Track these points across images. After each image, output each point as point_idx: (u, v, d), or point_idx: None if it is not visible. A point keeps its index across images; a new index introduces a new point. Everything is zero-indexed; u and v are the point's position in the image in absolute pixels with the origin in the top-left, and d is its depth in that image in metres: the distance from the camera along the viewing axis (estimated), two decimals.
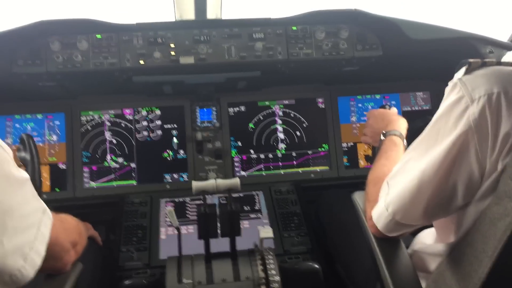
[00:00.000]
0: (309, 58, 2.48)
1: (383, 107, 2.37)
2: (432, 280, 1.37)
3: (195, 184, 1.77)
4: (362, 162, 2.88)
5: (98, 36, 2.37)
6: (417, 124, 2.33)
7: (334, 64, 2.56)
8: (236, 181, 1.78)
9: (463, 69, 1.22)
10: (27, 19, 2.18)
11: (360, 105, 2.94)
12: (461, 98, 1.15)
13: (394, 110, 2.24)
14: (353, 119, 2.92)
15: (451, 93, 1.19)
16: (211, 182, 1.77)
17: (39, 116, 2.73)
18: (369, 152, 2.85)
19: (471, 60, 1.21)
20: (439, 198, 1.23)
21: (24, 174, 1.22)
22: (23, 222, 1.18)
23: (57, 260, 1.38)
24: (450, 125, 1.17)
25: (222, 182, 1.77)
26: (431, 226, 1.54)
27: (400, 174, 1.37)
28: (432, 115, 1.31)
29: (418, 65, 2.71)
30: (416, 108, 2.97)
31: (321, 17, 2.44)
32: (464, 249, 1.21)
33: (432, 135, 1.24)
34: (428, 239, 1.54)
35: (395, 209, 1.34)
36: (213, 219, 1.75)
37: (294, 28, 2.47)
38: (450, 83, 1.22)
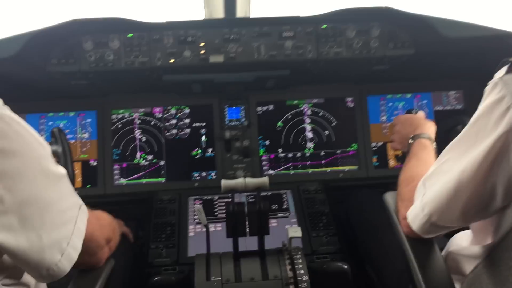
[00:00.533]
0: (339, 57, 2.45)
1: (409, 111, 2.34)
2: (467, 284, 1.34)
3: (224, 183, 1.77)
4: (392, 162, 2.84)
5: (129, 35, 2.40)
6: (448, 124, 2.29)
7: (365, 63, 2.53)
8: (265, 180, 1.77)
9: (504, 69, 1.18)
10: (59, 18, 2.22)
11: (390, 104, 2.89)
12: (502, 98, 1.11)
13: (421, 114, 2.21)
14: (383, 118, 2.88)
15: (492, 93, 1.15)
16: (241, 181, 1.77)
17: (71, 114, 2.79)
18: (399, 152, 2.81)
19: None
20: (477, 199, 1.20)
21: (61, 170, 1.24)
22: (61, 217, 1.20)
23: (92, 255, 1.40)
24: (491, 125, 1.13)
25: (251, 181, 1.77)
26: (467, 228, 1.50)
27: (437, 174, 1.34)
28: (465, 114, 1.27)
29: (451, 64, 2.65)
30: (448, 108, 2.90)
31: (352, 15, 2.41)
32: (502, 252, 1.17)
33: (471, 136, 1.21)
34: (463, 241, 1.51)
35: (432, 210, 1.32)
36: (241, 218, 1.74)
37: (324, 26, 2.45)
38: (491, 83, 1.18)
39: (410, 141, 1.92)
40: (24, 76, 2.42)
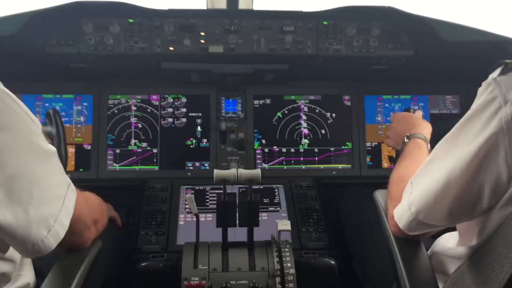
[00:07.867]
0: (339, 54, 2.46)
1: (408, 110, 2.34)
2: (450, 282, 1.35)
3: (217, 172, 1.77)
4: (385, 163, 2.85)
5: (130, 20, 2.39)
6: (443, 127, 2.29)
7: (363, 62, 2.53)
8: (257, 172, 1.77)
9: (498, 70, 1.18)
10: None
11: (387, 105, 2.90)
12: (494, 98, 1.12)
13: (419, 113, 2.21)
14: (379, 119, 2.88)
15: (484, 93, 1.16)
16: (233, 172, 1.77)
17: (68, 97, 2.78)
18: (393, 153, 2.81)
19: (507, 60, 1.17)
20: (464, 199, 1.20)
21: (51, 148, 1.24)
22: (49, 193, 1.20)
23: (78, 235, 1.40)
24: (481, 125, 1.14)
25: (244, 172, 1.77)
26: (453, 229, 1.51)
27: (425, 172, 1.34)
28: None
29: (450, 68, 2.66)
30: (445, 111, 2.91)
31: (353, 13, 2.41)
32: (485, 253, 1.18)
33: (461, 135, 1.21)
34: (449, 242, 1.52)
35: (419, 208, 1.32)
36: (232, 208, 1.75)
37: (325, 22, 2.45)
38: (484, 83, 1.18)
39: (405, 140, 1.92)
40: (23, 56, 2.41)
